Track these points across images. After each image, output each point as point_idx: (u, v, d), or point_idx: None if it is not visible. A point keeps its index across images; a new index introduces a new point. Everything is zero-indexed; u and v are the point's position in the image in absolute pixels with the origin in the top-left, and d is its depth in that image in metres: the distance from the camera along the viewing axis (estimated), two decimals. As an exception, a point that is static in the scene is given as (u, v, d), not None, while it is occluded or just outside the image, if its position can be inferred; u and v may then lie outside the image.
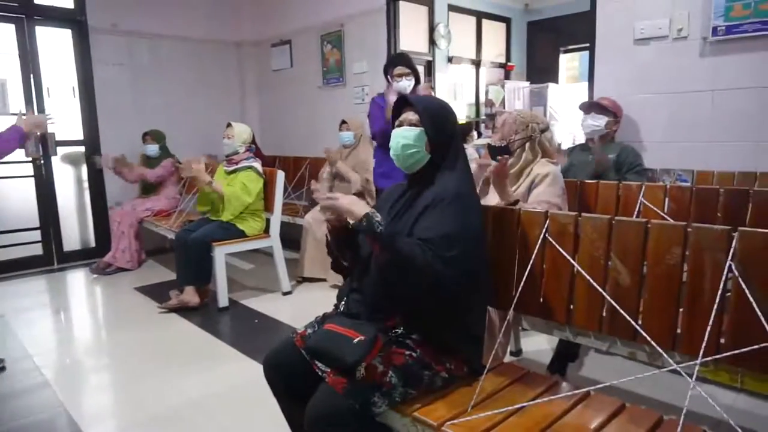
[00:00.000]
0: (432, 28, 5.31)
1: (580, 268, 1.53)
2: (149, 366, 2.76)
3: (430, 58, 5.31)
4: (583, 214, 1.57)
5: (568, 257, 1.56)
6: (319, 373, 1.43)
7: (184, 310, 3.45)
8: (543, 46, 6.99)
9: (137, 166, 4.69)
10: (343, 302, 1.62)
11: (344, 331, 1.41)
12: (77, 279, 4.46)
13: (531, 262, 1.60)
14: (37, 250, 4.63)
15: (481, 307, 1.59)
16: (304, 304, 3.65)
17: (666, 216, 2.11)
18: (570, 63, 7.04)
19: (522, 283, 1.59)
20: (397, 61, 3.24)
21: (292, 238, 4.40)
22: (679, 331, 1.38)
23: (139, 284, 4.14)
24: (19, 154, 4.38)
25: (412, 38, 4.98)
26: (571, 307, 1.60)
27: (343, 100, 4.75)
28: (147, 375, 2.66)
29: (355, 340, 1.37)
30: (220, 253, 3.50)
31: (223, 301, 3.53)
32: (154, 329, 3.24)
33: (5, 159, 4.41)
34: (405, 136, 1.57)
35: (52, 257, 4.70)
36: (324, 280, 3.98)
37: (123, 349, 3.02)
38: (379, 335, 1.41)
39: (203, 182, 3.49)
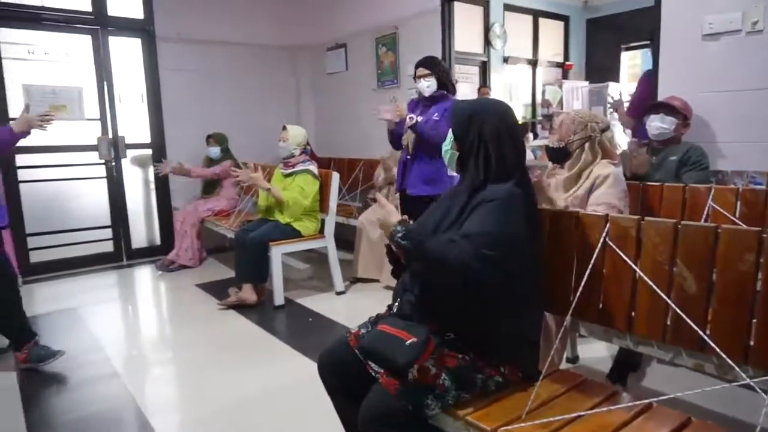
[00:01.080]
0: (487, 29, 5.25)
1: (642, 274, 1.48)
2: (210, 360, 2.87)
3: (485, 59, 5.27)
4: (646, 217, 1.51)
5: (630, 262, 1.50)
6: (372, 374, 1.45)
7: (242, 307, 3.57)
8: (603, 44, 6.77)
9: (194, 167, 4.89)
10: (396, 303, 1.63)
11: (397, 333, 1.41)
12: (144, 275, 4.70)
13: (590, 266, 1.55)
14: (108, 247, 4.91)
15: (532, 311, 1.56)
16: (357, 304, 3.69)
17: (738, 221, 2.00)
18: (632, 61, 6.77)
19: (580, 288, 1.55)
20: (419, 63, 3.23)
21: (346, 238, 4.47)
22: (752, 342, 1.30)
23: (200, 281, 4.31)
24: (93, 156, 4.72)
25: (466, 39, 4.95)
26: (633, 314, 1.54)
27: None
28: (208, 369, 2.76)
29: (408, 342, 1.38)
30: (277, 253, 3.60)
31: (279, 299, 3.63)
32: (214, 325, 3.37)
33: (82, 161, 4.76)
34: (447, 135, 1.65)
35: (122, 254, 4.97)
36: (377, 280, 4.01)
37: (185, 343, 3.15)
38: (432, 337, 1.41)
39: (262, 189, 3.60)
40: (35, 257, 4.51)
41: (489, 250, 1.36)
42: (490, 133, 1.53)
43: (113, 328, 3.47)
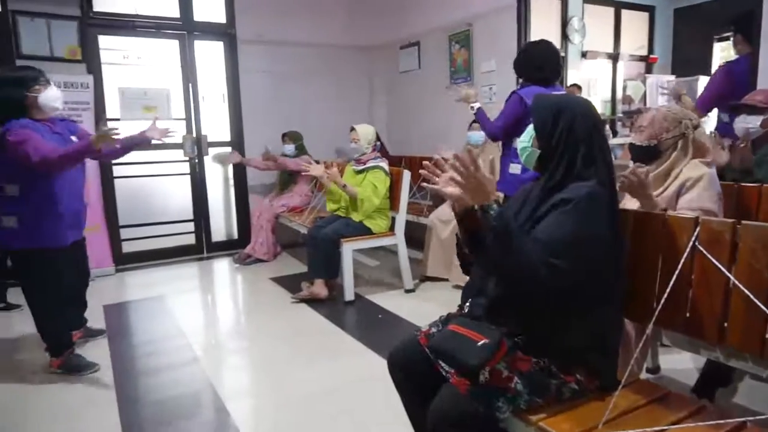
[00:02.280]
0: (565, 23, 5.05)
1: (737, 282, 1.37)
2: (282, 351, 2.96)
3: (563, 54, 5.06)
4: (742, 221, 1.40)
5: (723, 269, 1.39)
6: (443, 373, 1.43)
7: (313, 301, 3.66)
8: (693, 35, 6.33)
9: (280, 157, 5.04)
10: (467, 304, 1.60)
11: (468, 333, 1.39)
12: (222, 267, 4.94)
13: (677, 272, 1.45)
14: (191, 239, 5.21)
15: (612, 317, 1.49)
16: (426, 303, 3.68)
17: None
18: (725, 52, 6.29)
19: (665, 295, 1.46)
20: None
21: (415, 237, 4.47)
22: None
23: (274, 275, 4.46)
24: (178, 154, 5.01)
25: (542, 34, 4.77)
26: (725, 324, 1.43)
27: (469, 99, 4.71)
28: (280, 360, 2.86)
29: (480, 343, 1.35)
30: (348, 250, 3.66)
31: (349, 295, 3.69)
32: (287, 317, 3.48)
33: (168, 158, 5.05)
34: (525, 132, 1.58)
35: (203, 246, 5.25)
36: (446, 280, 3.98)
37: (259, 333, 3.28)
38: (504, 339, 1.38)
39: (339, 186, 3.68)
40: (126, 248, 4.86)
41: (558, 259, 1.29)
42: (582, 132, 1.45)
43: (194, 316, 3.67)
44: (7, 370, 2.81)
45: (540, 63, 2.90)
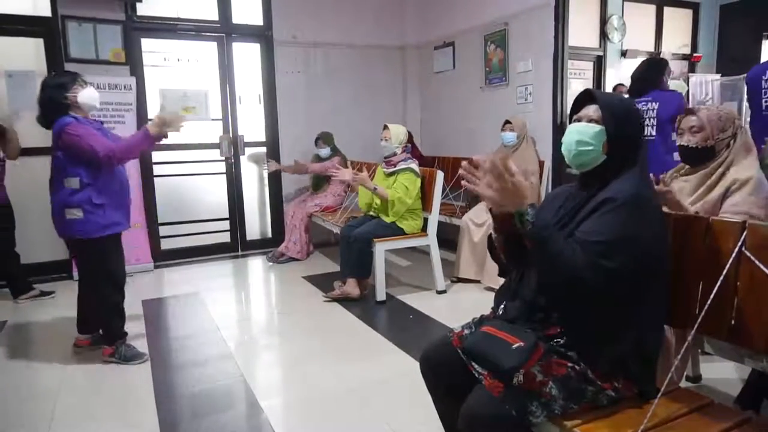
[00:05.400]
0: (604, 21, 4.95)
1: (786, 289, 1.31)
2: (313, 349, 2.99)
3: (601, 53, 4.97)
4: (793, 225, 1.34)
5: (771, 275, 1.34)
6: (476, 375, 1.42)
7: (345, 301, 3.69)
8: (739, 32, 6.11)
9: (308, 163, 5.12)
10: (501, 306, 1.58)
11: (503, 336, 1.38)
12: (256, 265, 5.01)
13: (721, 278, 1.40)
14: (226, 237, 5.31)
15: (653, 323, 1.44)
16: (457, 304, 3.66)
17: None
18: (776, 50, 6.04)
19: (708, 302, 1.40)
20: None
21: (448, 237, 4.44)
22: None
23: (306, 273, 4.51)
24: (215, 154, 5.11)
25: (581, 33, 4.70)
26: (773, 333, 1.37)
27: (505, 100, 4.66)
28: (311, 357, 2.89)
29: (514, 346, 1.34)
30: (380, 249, 3.66)
31: (380, 294, 3.70)
32: (319, 316, 3.51)
33: (205, 158, 5.16)
34: (581, 131, 1.47)
35: (237, 245, 5.35)
36: (478, 281, 3.95)
37: (291, 331, 3.32)
38: (540, 343, 1.35)
39: (369, 189, 3.70)
40: (165, 245, 5.00)
41: (607, 259, 1.27)
42: (639, 134, 1.45)
43: (228, 312, 3.73)
44: (43, 356, 2.92)
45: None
